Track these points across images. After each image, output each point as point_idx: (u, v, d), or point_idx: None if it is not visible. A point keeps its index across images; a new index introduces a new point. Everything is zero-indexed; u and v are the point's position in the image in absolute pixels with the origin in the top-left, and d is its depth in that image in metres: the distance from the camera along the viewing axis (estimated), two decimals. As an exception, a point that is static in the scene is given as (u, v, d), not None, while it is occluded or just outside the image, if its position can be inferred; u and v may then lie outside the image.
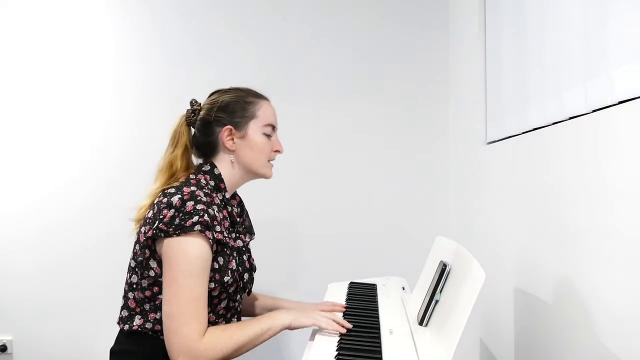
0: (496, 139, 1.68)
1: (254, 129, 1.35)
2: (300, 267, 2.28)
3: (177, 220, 1.18)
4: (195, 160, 1.41)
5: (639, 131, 0.84)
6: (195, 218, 1.18)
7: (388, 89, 2.30)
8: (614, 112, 0.94)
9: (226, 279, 1.25)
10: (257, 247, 2.27)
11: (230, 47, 2.28)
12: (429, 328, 1.14)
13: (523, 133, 1.42)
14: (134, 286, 1.27)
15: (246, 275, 1.34)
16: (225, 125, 1.33)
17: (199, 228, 1.18)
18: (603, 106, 0.98)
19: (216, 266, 1.24)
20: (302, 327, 1.22)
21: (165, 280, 1.19)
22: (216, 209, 1.26)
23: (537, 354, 1.26)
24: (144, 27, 2.28)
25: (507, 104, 1.58)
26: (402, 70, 2.30)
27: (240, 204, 1.48)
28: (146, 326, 1.25)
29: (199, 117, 1.37)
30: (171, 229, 1.18)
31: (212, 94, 1.41)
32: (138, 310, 1.26)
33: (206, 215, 1.19)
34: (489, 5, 1.82)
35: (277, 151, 1.40)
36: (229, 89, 1.40)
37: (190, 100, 1.40)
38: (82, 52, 2.28)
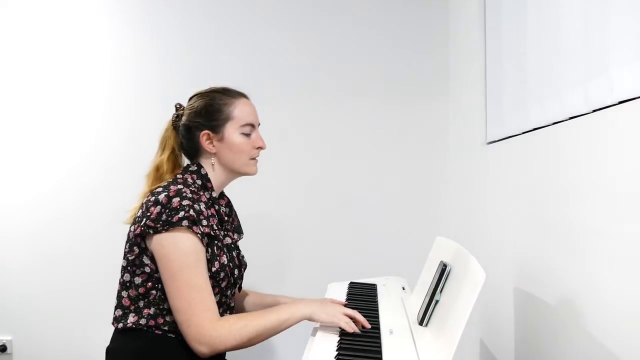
0: (496, 139, 1.68)
1: (231, 131, 1.36)
2: (300, 267, 2.28)
3: (164, 217, 1.20)
4: (185, 162, 1.43)
5: (639, 131, 0.84)
6: (182, 213, 1.20)
7: (388, 89, 2.30)
8: (614, 112, 0.94)
9: (213, 269, 1.26)
10: (258, 247, 2.28)
11: (226, 48, 2.28)
12: (429, 328, 1.14)
13: (523, 133, 1.42)
14: (127, 284, 1.29)
15: (236, 271, 1.36)
16: (203, 130, 1.35)
17: (187, 224, 1.20)
18: (603, 106, 0.98)
19: (208, 257, 1.26)
20: (321, 322, 1.22)
21: (164, 277, 1.22)
22: (203, 206, 1.28)
23: (537, 353, 1.26)
24: (141, 28, 2.29)
25: (507, 104, 1.58)
26: (402, 70, 2.30)
27: (229, 204, 1.50)
28: (140, 322, 1.26)
29: (181, 122, 1.39)
30: (159, 225, 1.20)
31: (191, 97, 1.42)
32: (132, 308, 1.28)
33: (192, 210, 1.22)
34: (489, 5, 1.82)
35: (260, 148, 1.40)
36: (206, 92, 1.41)
37: (175, 104, 1.42)
38: (79, 53, 2.28)
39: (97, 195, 2.26)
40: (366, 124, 2.31)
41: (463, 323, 0.93)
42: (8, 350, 2.25)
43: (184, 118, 1.38)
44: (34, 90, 2.27)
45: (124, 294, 1.29)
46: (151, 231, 1.21)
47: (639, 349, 0.84)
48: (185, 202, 1.22)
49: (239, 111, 1.37)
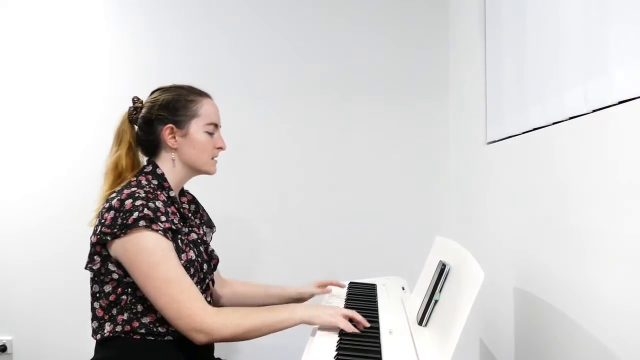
0: (496, 139, 1.68)
1: (196, 128, 1.35)
2: (300, 267, 2.28)
3: (119, 220, 1.19)
4: (142, 158, 1.41)
5: (639, 131, 0.84)
6: (136, 214, 1.19)
7: (388, 88, 2.30)
8: (614, 112, 0.94)
9: (181, 262, 1.24)
10: (258, 247, 2.28)
11: (226, 48, 2.28)
12: (429, 328, 1.14)
13: (523, 133, 1.42)
14: (97, 295, 1.28)
15: (205, 266, 1.35)
16: (167, 123, 1.34)
17: (144, 223, 1.18)
18: (603, 106, 0.97)
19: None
20: (320, 324, 1.21)
21: (139, 281, 1.20)
22: (160, 204, 1.25)
23: (537, 353, 1.26)
24: (140, 28, 2.29)
25: (507, 104, 1.58)
26: (402, 70, 2.30)
27: (194, 201, 1.50)
28: (116, 330, 1.25)
29: (141, 115, 1.37)
30: (116, 229, 1.19)
31: (154, 91, 1.41)
32: (106, 317, 1.27)
33: (146, 209, 1.20)
34: (489, 5, 1.82)
35: (220, 148, 1.41)
36: (171, 87, 1.40)
37: (133, 97, 1.40)
38: (78, 52, 2.29)
39: (96, 195, 2.26)
40: (366, 124, 2.31)
41: (462, 323, 0.93)
42: (8, 350, 2.25)
43: (143, 111, 1.37)
44: (31, 90, 2.28)
45: (96, 305, 1.28)
46: (109, 237, 1.20)
47: (638, 348, 0.84)
48: (138, 202, 1.20)
49: (204, 110, 1.37)
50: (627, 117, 0.89)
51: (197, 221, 1.47)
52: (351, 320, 1.20)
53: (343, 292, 1.59)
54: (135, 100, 1.40)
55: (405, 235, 2.28)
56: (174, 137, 1.34)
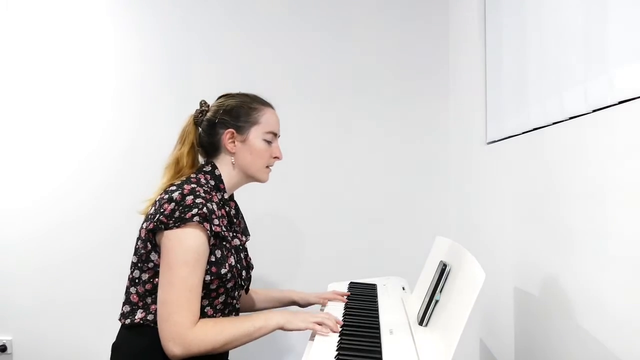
0: (496, 139, 1.68)
1: (255, 135, 1.40)
2: (300, 267, 2.29)
3: (177, 213, 1.23)
4: (201, 159, 1.45)
5: (639, 131, 0.84)
6: (195, 210, 1.23)
7: (388, 89, 2.31)
8: (614, 112, 0.94)
9: (223, 271, 1.28)
10: (258, 247, 2.28)
11: (229, 48, 2.28)
12: (429, 328, 1.14)
13: (523, 133, 1.42)
14: (136, 281, 1.31)
15: (244, 273, 1.38)
16: (228, 128, 1.39)
17: (198, 219, 1.22)
18: (603, 106, 0.98)
19: (213, 259, 1.28)
20: (295, 330, 1.25)
21: (162, 269, 1.24)
22: (215, 206, 1.30)
23: (537, 353, 1.26)
24: (145, 28, 2.29)
25: (507, 104, 1.58)
26: (402, 70, 2.30)
27: (236, 207, 1.53)
28: (148, 318, 1.28)
29: (206, 117, 1.42)
30: (171, 222, 1.23)
31: (220, 97, 1.47)
32: (140, 304, 1.29)
33: (205, 208, 1.24)
34: (489, 5, 1.82)
35: (276, 157, 1.45)
36: (237, 94, 1.45)
37: (200, 101, 1.46)
38: (84, 53, 2.28)
39: (96, 195, 2.27)
40: (366, 125, 2.31)
41: (463, 323, 0.93)
42: (8, 350, 2.25)
43: (209, 114, 1.42)
44: (40, 91, 2.27)
45: (132, 290, 1.31)
46: (163, 226, 1.23)
47: (638, 348, 0.84)
48: (198, 200, 1.25)
49: (265, 118, 1.41)
50: (627, 117, 0.89)
51: (238, 228, 1.50)
52: (323, 324, 1.23)
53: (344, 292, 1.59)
54: (203, 103, 1.45)
55: (405, 235, 2.28)
56: (234, 142, 1.39)
